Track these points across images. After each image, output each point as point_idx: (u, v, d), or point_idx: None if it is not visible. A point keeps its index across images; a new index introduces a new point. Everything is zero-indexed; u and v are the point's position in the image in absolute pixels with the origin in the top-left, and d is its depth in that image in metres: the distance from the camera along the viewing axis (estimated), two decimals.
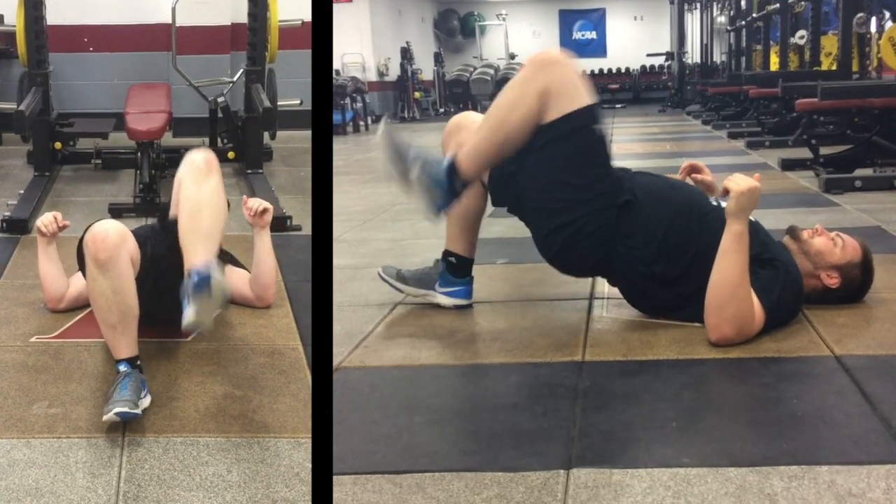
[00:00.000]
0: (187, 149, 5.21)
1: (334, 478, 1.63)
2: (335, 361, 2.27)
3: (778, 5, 10.02)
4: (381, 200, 5.51)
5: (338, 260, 3.53)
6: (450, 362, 2.29)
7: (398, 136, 2.50)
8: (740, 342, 2.25)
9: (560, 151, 2.38)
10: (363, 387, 2.13)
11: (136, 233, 2.55)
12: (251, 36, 5.31)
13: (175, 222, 2.44)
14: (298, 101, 5.57)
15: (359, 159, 9.25)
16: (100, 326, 2.30)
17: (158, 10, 6.21)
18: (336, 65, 16.39)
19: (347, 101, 13.67)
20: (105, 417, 2.06)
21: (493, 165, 2.50)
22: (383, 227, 4.51)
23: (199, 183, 2.41)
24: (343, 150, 10.44)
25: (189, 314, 2.12)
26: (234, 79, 5.68)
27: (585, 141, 2.39)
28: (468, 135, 2.61)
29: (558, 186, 2.40)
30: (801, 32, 9.55)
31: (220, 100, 5.34)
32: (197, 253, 2.24)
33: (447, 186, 2.45)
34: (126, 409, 2.05)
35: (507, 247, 3.66)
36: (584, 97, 2.38)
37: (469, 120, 2.71)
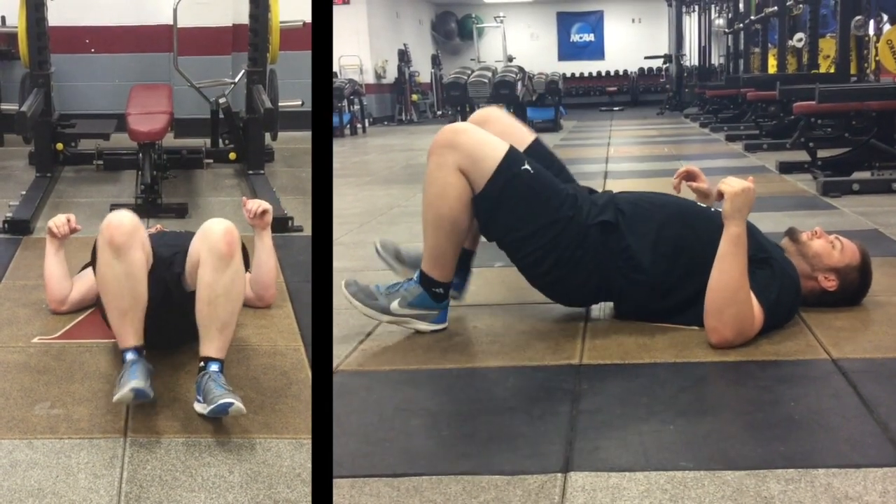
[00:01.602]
0: (188, 150, 5.31)
1: (333, 481, 1.63)
2: (332, 364, 2.27)
3: (776, 8, 10.03)
4: (379, 203, 5.51)
5: (335, 262, 3.52)
6: (447, 365, 2.29)
7: (358, 286, 2.53)
8: (740, 344, 2.25)
9: (505, 211, 2.41)
10: (360, 390, 2.13)
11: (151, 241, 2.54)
12: (252, 37, 5.30)
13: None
14: (300, 102, 5.57)
15: (356, 162, 9.26)
16: (108, 314, 2.32)
17: (160, 11, 6.21)
18: (334, 67, 16.40)
19: (345, 103, 13.68)
20: (118, 397, 2.07)
21: (456, 256, 2.49)
22: (380, 229, 4.51)
23: (219, 269, 2.31)
24: (340, 152, 10.44)
25: (199, 411, 2.15)
26: (236, 80, 5.67)
27: (520, 188, 2.39)
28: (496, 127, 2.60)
29: (523, 242, 2.43)
30: (799, 35, 9.56)
31: (221, 101, 5.34)
32: (212, 345, 2.26)
33: (431, 299, 2.48)
34: (141, 387, 2.06)
35: None
36: (497, 151, 2.40)
37: (495, 115, 2.72)
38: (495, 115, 2.72)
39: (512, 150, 2.42)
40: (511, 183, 2.38)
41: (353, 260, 3.68)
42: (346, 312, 2.76)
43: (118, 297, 2.27)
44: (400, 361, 2.31)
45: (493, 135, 2.48)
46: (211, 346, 2.26)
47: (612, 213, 2.43)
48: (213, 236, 2.35)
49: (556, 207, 2.40)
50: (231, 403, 2.05)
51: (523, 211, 2.40)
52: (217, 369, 2.22)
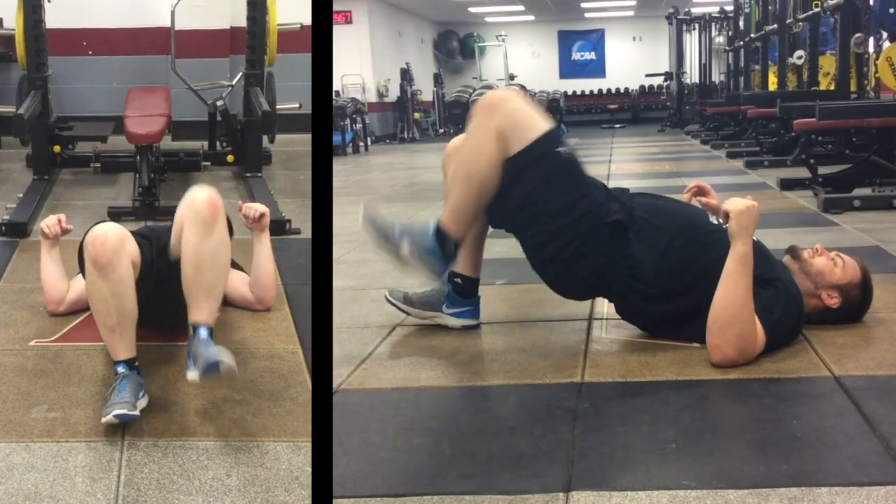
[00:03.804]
0: (186, 153, 5.32)
1: (334, 501, 1.63)
2: (334, 384, 2.27)
3: (776, 26, 10.07)
4: None
5: (338, 281, 3.53)
6: (449, 384, 2.29)
7: (379, 217, 2.54)
8: (742, 363, 2.25)
9: (530, 184, 2.42)
10: (362, 409, 2.13)
11: (137, 234, 2.56)
12: (250, 39, 5.31)
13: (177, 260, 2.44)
14: (297, 105, 5.58)
15: (358, 180, 9.27)
16: (98, 328, 2.33)
17: (158, 13, 6.20)
18: (336, 86, 16.46)
19: (347, 122, 13.71)
20: (104, 419, 2.08)
21: (476, 215, 2.51)
22: None
23: (203, 234, 2.35)
24: (343, 170, 10.46)
25: (193, 378, 2.16)
26: (234, 82, 5.67)
27: (552, 167, 2.41)
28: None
29: (538, 218, 2.43)
30: (800, 52, 9.59)
31: (219, 103, 5.35)
32: (201, 310, 2.29)
33: (440, 252, 2.50)
34: (125, 411, 2.08)
35: (506, 267, 3.66)
36: (539, 126, 2.42)
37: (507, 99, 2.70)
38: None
39: (554, 131, 2.45)
40: (544, 158, 2.40)
41: (355, 278, 3.68)
42: (347, 331, 2.77)
43: (104, 315, 2.28)
44: (402, 380, 2.31)
45: (538, 110, 2.51)
46: (199, 311, 2.28)
47: (627, 213, 2.43)
48: (196, 203, 2.38)
49: (578, 196, 2.42)
50: (219, 361, 2.06)
51: (546, 188, 2.41)
52: (206, 335, 2.23)
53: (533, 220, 2.45)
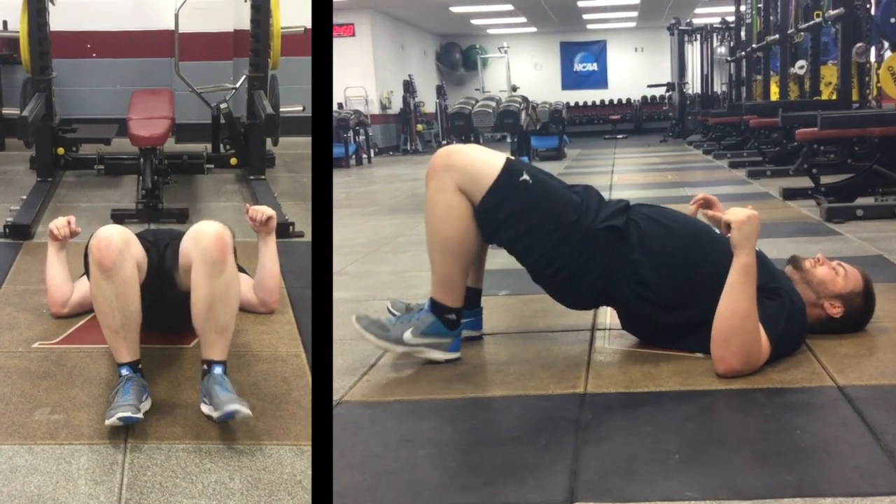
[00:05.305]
0: (190, 155, 5.33)
1: None
2: (337, 396, 2.27)
3: (777, 36, 10.08)
4: (384, 233, 5.52)
5: (340, 293, 3.53)
6: (452, 395, 2.28)
7: (370, 319, 2.49)
8: (746, 374, 2.24)
9: (506, 225, 2.40)
10: (364, 421, 2.13)
11: (143, 238, 2.57)
12: (254, 42, 5.33)
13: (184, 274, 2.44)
14: (301, 108, 5.59)
15: (361, 192, 9.29)
16: (102, 330, 2.33)
17: (161, 16, 6.23)
18: (339, 98, 16.51)
19: (350, 134, 13.74)
20: (108, 422, 2.08)
21: (465, 279, 2.49)
22: (385, 259, 4.51)
23: (213, 276, 2.32)
24: (346, 182, 10.48)
25: (207, 412, 2.20)
26: (237, 85, 5.68)
27: (519, 199, 2.40)
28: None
29: (531, 247, 2.42)
30: (801, 62, 9.60)
31: (222, 106, 5.35)
32: (214, 348, 2.29)
33: (444, 326, 2.47)
34: (129, 414, 2.08)
35: (509, 278, 3.66)
36: (494, 165, 2.40)
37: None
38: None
39: (509, 163, 2.43)
40: (509, 196, 2.39)
41: (358, 290, 3.68)
42: (350, 343, 2.77)
43: (109, 317, 2.29)
44: (404, 392, 2.31)
45: (489, 150, 2.50)
46: (213, 349, 2.28)
47: (623, 220, 2.43)
48: (204, 241, 2.35)
49: (557, 214, 2.40)
50: (237, 411, 2.09)
51: (524, 221, 2.40)
52: (220, 371, 2.24)
53: (525, 252, 2.45)
